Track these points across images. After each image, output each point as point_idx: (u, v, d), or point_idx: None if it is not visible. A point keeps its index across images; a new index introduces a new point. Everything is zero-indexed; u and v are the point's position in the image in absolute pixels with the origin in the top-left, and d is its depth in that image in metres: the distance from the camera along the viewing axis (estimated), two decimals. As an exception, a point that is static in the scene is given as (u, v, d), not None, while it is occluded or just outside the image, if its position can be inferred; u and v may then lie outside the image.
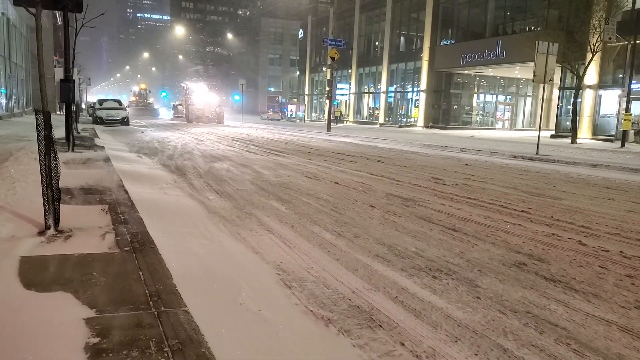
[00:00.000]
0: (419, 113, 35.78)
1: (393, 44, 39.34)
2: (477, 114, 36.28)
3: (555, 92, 29.81)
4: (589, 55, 20.91)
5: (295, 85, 61.54)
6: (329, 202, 6.36)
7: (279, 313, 2.89)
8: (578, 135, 22.06)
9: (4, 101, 22.80)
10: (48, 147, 4.00)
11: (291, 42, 75.82)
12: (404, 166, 10.86)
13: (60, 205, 4.22)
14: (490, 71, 33.15)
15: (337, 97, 43.69)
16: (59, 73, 15.51)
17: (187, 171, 8.96)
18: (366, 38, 43.54)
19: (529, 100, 37.59)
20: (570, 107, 22.69)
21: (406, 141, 19.42)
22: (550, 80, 14.75)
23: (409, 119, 37.79)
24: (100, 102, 30.22)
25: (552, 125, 28.63)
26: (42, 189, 4.07)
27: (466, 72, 34.04)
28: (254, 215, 5.50)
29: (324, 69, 48.25)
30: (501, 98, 36.87)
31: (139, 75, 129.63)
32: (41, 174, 4.07)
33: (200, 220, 5.08)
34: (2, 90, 22.69)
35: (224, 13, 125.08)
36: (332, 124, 30.38)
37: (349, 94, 44.94)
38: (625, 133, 19.20)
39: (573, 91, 22.55)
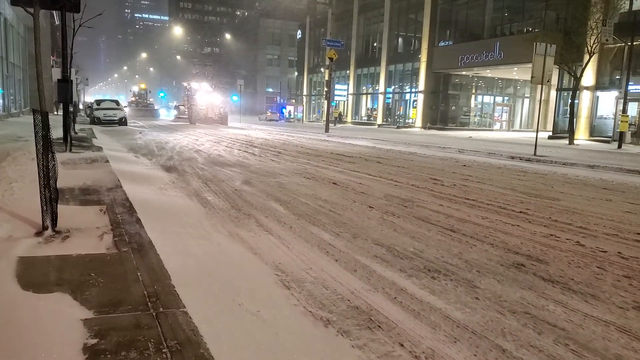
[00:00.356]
0: (417, 114, 35.80)
1: (391, 45, 39.37)
2: (475, 115, 36.32)
3: (553, 93, 29.91)
4: (587, 57, 21.00)
5: (294, 86, 61.52)
6: (327, 202, 6.36)
7: (278, 314, 2.88)
8: (575, 137, 22.12)
9: (1, 101, 22.70)
10: (46, 147, 3.99)
11: (289, 43, 75.86)
12: (402, 167, 10.87)
13: (58, 205, 4.21)
14: (488, 72, 33.22)
15: (336, 98, 43.66)
16: (56, 73, 15.50)
17: (185, 171, 8.95)
18: (364, 39, 43.56)
19: (526, 101, 37.67)
20: (568, 108, 22.74)
21: (404, 142, 19.44)
22: (547, 81, 14.77)
23: (407, 120, 37.82)
24: (98, 102, 30.09)
25: (550, 126, 28.69)
26: (40, 190, 4.05)
27: (464, 73, 34.08)
28: (252, 215, 5.49)
29: (322, 69, 48.18)
30: (499, 99, 36.93)
31: (137, 76, 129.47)
32: (39, 175, 4.05)
33: (198, 221, 5.08)
34: None
35: (222, 13, 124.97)
36: (331, 124, 30.37)
37: (347, 94, 44.91)
38: (622, 134, 19.23)
39: (570, 92, 22.60)
